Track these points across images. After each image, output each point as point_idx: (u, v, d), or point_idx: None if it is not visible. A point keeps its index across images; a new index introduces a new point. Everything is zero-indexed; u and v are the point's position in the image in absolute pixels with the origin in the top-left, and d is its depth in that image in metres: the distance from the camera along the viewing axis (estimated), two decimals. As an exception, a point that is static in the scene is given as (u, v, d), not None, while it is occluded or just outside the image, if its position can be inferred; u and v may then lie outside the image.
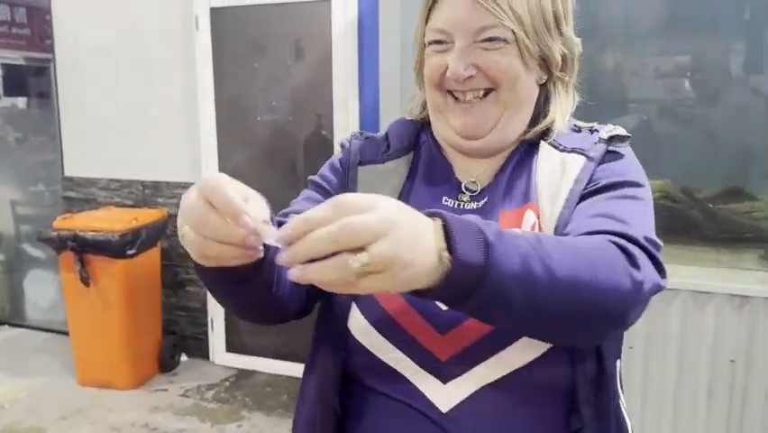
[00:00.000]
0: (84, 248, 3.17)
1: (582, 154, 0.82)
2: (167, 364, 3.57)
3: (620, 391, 0.83)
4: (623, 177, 0.80)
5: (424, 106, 0.93)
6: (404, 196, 0.87)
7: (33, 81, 4.24)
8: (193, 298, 3.69)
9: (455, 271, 0.58)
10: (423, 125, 0.94)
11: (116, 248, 3.16)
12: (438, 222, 0.60)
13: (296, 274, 0.56)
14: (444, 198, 0.87)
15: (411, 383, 0.78)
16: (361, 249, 0.54)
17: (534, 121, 0.88)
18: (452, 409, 0.76)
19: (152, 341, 3.53)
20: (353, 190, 0.87)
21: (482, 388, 0.76)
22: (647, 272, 0.68)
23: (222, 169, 3.47)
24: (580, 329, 0.69)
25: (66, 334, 3.54)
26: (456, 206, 0.86)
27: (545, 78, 0.87)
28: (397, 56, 2.85)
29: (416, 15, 0.88)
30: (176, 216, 0.69)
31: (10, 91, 4.26)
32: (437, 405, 0.77)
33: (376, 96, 3.01)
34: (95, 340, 3.32)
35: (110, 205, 3.72)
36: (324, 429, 0.83)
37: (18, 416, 3.11)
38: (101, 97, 3.72)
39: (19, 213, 4.35)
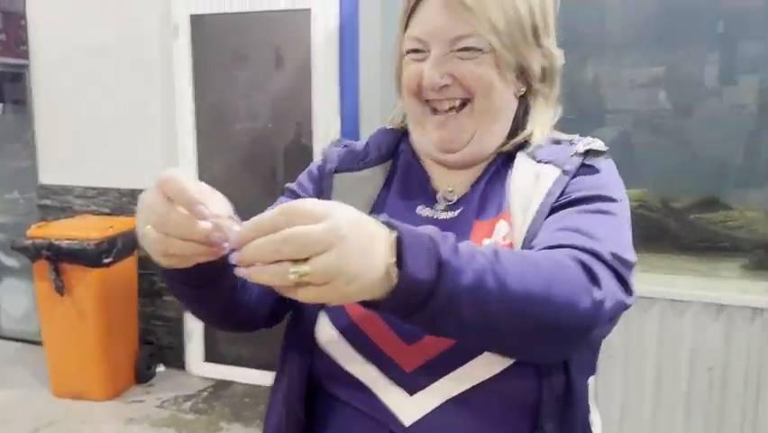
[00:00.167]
0: (59, 257, 3.12)
1: (557, 167, 0.81)
2: (143, 375, 3.52)
3: (592, 407, 0.82)
4: (596, 191, 0.78)
5: (404, 116, 0.93)
6: (379, 204, 0.87)
7: (8, 87, 4.17)
8: (170, 307, 3.64)
9: (402, 287, 0.58)
10: (403, 135, 0.94)
11: (92, 257, 3.12)
12: (393, 234, 0.59)
13: (240, 272, 0.57)
14: (419, 207, 0.87)
15: (375, 395, 0.78)
16: (306, 258, 0.54)
17: (513, 133, 0.87)
18: (414, 424, 0.75)
19: (128, 351, 3.48)
20: (328, 198, 0.87)
21: (447, 402, 0.75)
22: (609, 290, 0.67)
23: (201, 177, 3.44)
24: (537, 346, 0.68)
25: (40, 344, 3.47)
26: (431, 215, 0.86)
27: (524, 89, 0.86)
28: (377, 65, 2.85)
29: (397, 24, 0.88)
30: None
31: (-16, 97, 4.19)
32: (400, 418, 0.76)
33: (356, 105, 3.02)
34: (69, 350, 3.26)
35: (86, 213, 3.67)
36: None
37: (-11, 428, 3.04)
38: (77, 104, 3.68)
39: (-7, 221, 4.27)
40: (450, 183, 0.88)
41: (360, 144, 0.94)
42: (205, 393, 3.42)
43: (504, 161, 0.87)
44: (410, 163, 0.91)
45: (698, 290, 2.39)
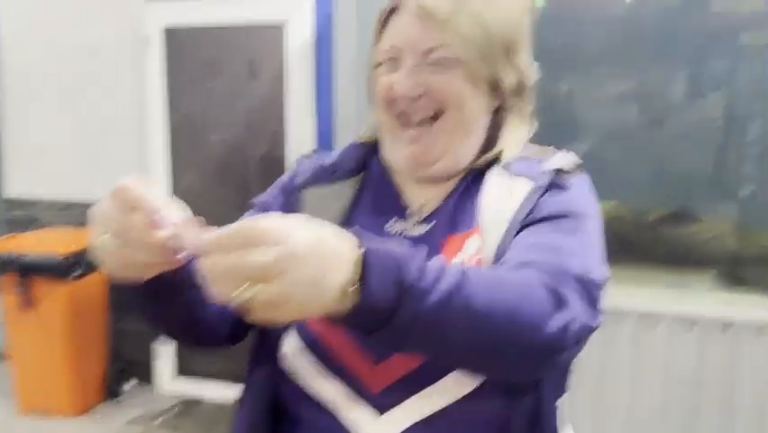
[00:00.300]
0: (26, 270, 3.05)
1: (529, 182, 0.81)
2: (113, 391, 3.44)
3: (563, 427, 0.81)
4: (567, 207, 0.78)
5: (376, 129, 0.92)
6: (348, 219, 0.86)
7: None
8: (140, 322, 3.57)
9: (362, 308, 0.57)
10: (374, 149, 0.92)
11: (60, 270, 3.06)
12: (359, 253, 0.58)
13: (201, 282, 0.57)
14: (390, 222, 0.86)
15: (342, 415, 0.76)
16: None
17: (487, 148, 0.87)
18: None
19: (97, 366, 3.41)
20: (297, 212, 0.86)
21: (417, 422, 0.74)
22: (576, 313, 0.66)
23: (174, 188, 3.42)
24: (502, 368, 0.67)
25: (5, 359, 3.40)
26: (401, 231, 0.85)
27: (497, 104, 0.86)
28: (352, 77, 2.86)
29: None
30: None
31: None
32: None
33: (331, 117, 3.02)
34: (37, 366, 3.19)
35: (54, 226, 3.61)
36: None
37: (-49, 448, 2.95)
38: (46, 116, 3.62)
39: (-42, 234, 4.17)
40: (422, 198, 0.87)
41: (330, 158, 0.93)
42: (176, 409, 3.36)
43: (476, 175, 0.86)
44: (381, 178, 0.90)
45: (670, 303, 2.41)
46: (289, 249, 0.53)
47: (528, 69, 0.87)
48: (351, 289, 0.56)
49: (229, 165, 3.41)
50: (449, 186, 0.87)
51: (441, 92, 0.81)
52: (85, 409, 3.29)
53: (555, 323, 0.64)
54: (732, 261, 2.64)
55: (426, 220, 0.85)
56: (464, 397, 0.73)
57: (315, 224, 0.57)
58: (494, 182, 0.83)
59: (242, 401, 0.86)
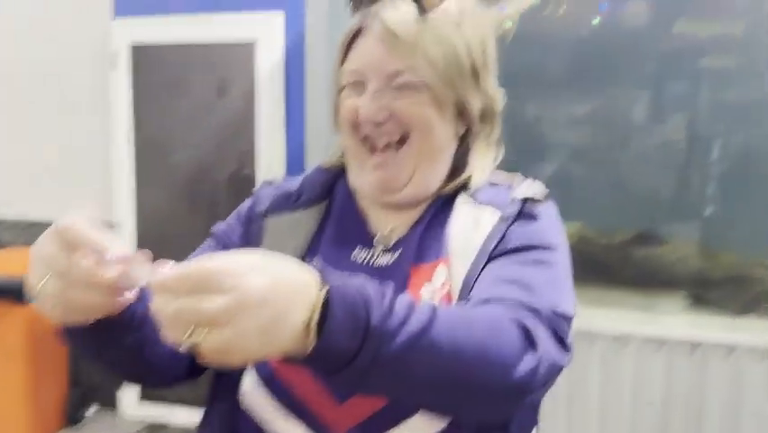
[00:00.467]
0: (-16, 293, 2.96)
1: (497, 211, 0.79)
2: (73, 417, 3.34)
3: None
4: (534, 240, 0.77)
5: (342, 154, 0.90)
6: (313, 248, 0.83)
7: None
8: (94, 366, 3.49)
9: (321, 350, 0.54)
10: (339, 174, 0.90)
11: (20, 292, 2.97)
12: (322, 294, 0.55)
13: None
14: (355, 251, 0.83)
15: None
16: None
17: (454, 174, 0.85)
18: None
19: (57, 392, 3.31)
20: (258, 242, 0.83)
21: None
22: (545, 353, 0.65)
23: (140, 209, 3.35)
24: (468, 410, 0.65)
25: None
26: (367, 260, 0.82)
27: (464, 130, 0.85)
28: (324, 96, 2.85)
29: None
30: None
31: None
32: None
33: (302, 137, 3.01)
34: (-7, 392, 3.08)
35: (16, 246, 3.52)
36: None
37: None
38: (8, 134, 3.54)
39: None
40: (388, 225, 0.85)
41: (293, 184, 0.90)
42: (140, 435, 3.28)
43: (444, 202, 0.84)
44: (346, 204, 0.87)
45: (638, 324, 2.43)
46: (240, 297, 0.51)
47: (495, 93, 0.86)
48: (310, 329, 0.54)
49: (197, 185, 3.36)
50: (416, 213, 0.85)
51: (406, 116, 0.79)
52: (43, 437, 3.18)
53: (525, 365, 0.62)
54: (698, 282, 2.68)
55: (393, 249, 0.83)
56: None
57: (273, 261, 0.55)
58: (462, 211, 0.81)
59: None
